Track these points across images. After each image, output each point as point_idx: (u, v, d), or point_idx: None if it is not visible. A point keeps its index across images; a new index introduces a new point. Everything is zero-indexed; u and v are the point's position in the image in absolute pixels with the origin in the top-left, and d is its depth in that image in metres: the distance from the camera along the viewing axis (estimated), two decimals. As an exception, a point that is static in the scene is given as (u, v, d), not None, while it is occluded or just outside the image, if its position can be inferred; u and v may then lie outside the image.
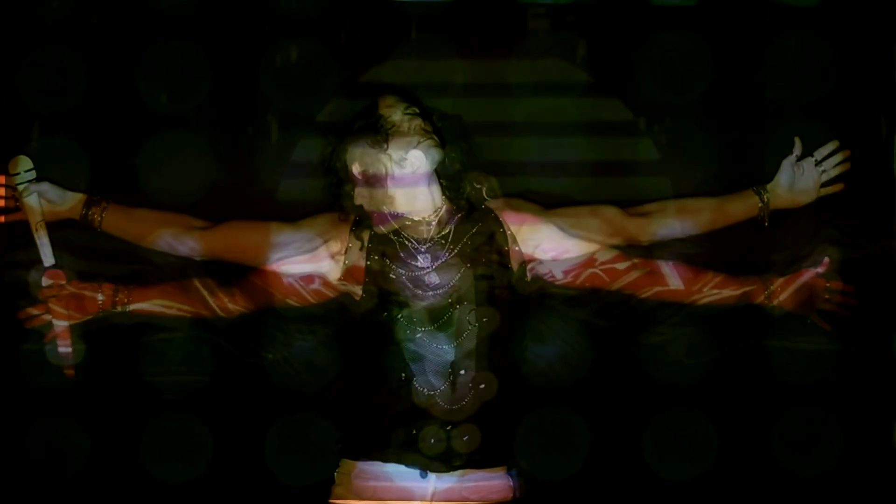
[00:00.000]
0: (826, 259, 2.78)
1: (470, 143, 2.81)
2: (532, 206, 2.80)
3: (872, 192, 2.95)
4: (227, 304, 2.74)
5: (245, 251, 2.76)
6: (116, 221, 2.77)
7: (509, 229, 2.75)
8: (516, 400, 2.70)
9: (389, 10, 3.02)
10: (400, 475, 2.67)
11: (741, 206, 2.80)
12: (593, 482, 2.96)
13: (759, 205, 2.78)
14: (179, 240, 2.76)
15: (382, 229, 2.72)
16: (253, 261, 2.75)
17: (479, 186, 2.78)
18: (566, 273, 2.76)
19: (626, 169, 3.02)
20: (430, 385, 2.65)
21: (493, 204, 2.78)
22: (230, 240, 2.76)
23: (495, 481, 2.70)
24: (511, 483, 2.72)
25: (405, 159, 2.66)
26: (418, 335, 2.67)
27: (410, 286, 2.69)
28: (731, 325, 2.80)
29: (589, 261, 2.76)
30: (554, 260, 2.76)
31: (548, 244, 2.76)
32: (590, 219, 2.78)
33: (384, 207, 2.70)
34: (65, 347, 2.72)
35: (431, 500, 2.67)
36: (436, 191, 2.73)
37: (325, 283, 2.73)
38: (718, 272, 2.78)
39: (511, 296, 2.71)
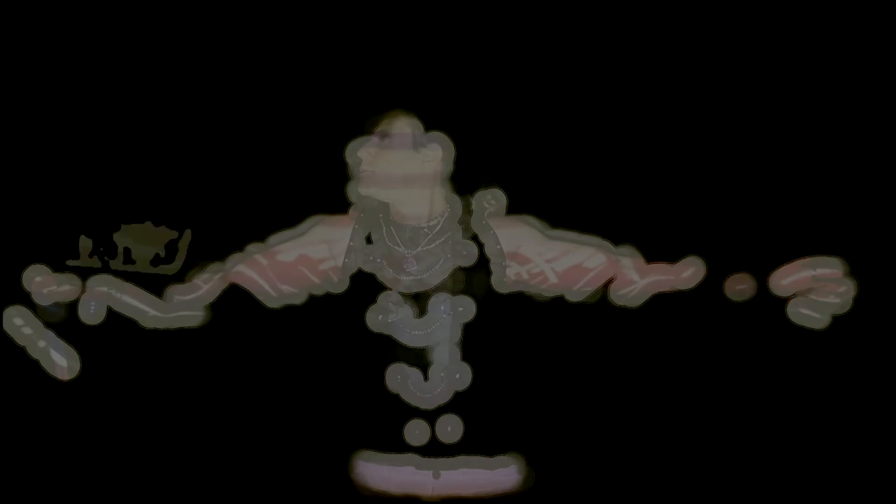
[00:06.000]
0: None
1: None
2: (530, 229, 2.78)
3: (876, 192, 2.94)
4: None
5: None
6: None
7: (497, 234, 2.74)
8: (497, 391, 2.69)
9: None
10: (391, 468, 2.67)
11: None
12: (590, 476, 2.92)
13: None
14: None
15: (373, 204, 2.72)
16: None
17: (487, 206, 2.77)
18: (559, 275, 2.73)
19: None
20: (403, 373, 2.66)
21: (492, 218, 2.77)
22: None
23: (491, 475, 2.69)
24: (508, 476, 2.71)
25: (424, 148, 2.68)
26: (391, 320, 2.68)
27: (389, 269, 2.71)
28: (730, 322, 2.77)
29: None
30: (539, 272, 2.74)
31: (535, 258, 2.74)
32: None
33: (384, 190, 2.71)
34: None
35: (428, 492, 2.66)
36: (438, 195, 2.73)
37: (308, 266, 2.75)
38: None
39: (489, 288, 2.70)
